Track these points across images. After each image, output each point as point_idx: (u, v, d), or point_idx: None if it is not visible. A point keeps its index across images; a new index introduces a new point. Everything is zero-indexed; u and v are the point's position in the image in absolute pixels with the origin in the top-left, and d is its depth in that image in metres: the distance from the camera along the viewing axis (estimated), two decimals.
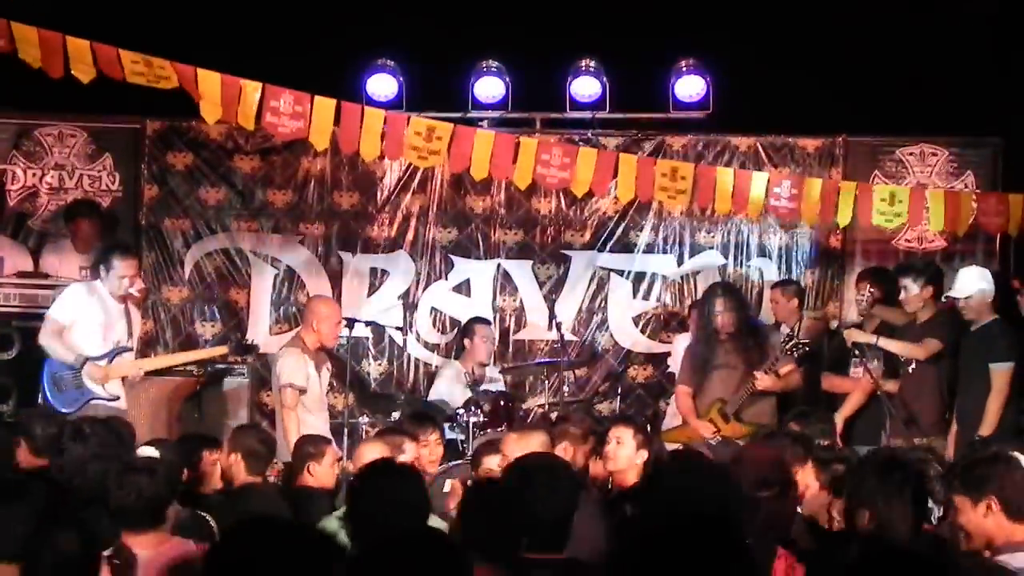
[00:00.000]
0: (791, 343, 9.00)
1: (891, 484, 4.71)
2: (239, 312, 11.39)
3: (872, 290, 9.50)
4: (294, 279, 11.42)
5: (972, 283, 8.60)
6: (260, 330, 11.29)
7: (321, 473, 7.37)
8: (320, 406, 9.42)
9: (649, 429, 9.89)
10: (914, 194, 9.39)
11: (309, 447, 7.62)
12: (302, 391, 9.04)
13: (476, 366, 10.35)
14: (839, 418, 9.12)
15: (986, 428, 8.21)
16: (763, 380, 8.85)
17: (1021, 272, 9.64)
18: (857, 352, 9.07)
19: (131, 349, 8.98)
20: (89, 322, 8.77)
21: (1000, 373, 8.39)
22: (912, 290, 8.92)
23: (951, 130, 11.02)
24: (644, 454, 7.04)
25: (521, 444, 6.51)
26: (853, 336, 9.04)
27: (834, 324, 9.76)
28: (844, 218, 9.39)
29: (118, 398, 8.81)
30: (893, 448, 7.21)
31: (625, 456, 6.93)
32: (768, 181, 9.38)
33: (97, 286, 8.89)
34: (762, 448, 5.87)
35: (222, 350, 9.76)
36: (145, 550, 4.86)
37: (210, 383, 10.17)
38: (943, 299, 8.86)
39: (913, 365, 8.91)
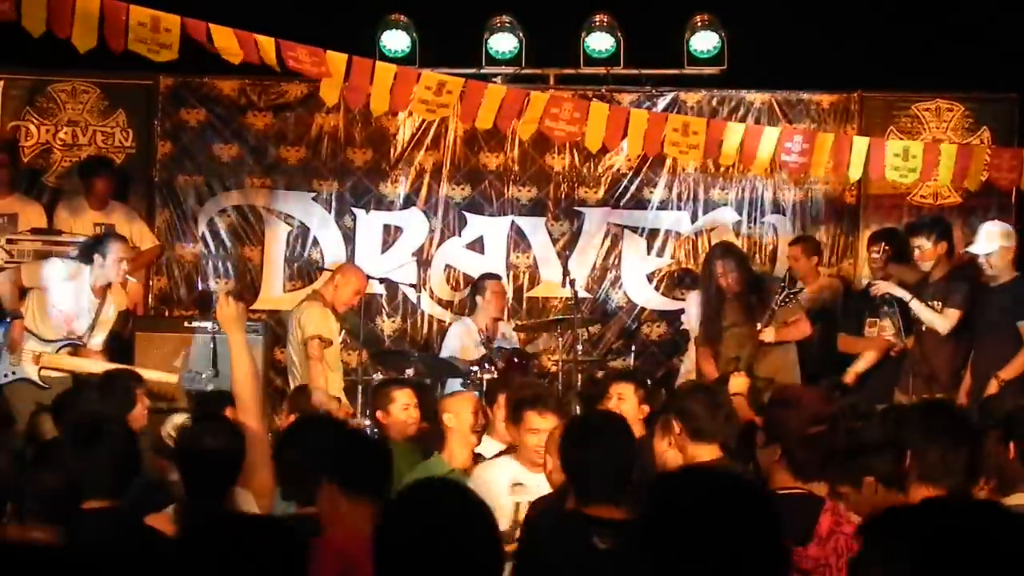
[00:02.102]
0: (783, 293, 8.93)
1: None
2: (252, 269, 11.41)
3: (887, 248, 9.47)
4: (307, 236, 11.42)
5: (994, 240, 8.53)
6: (273, 287, 11.33)
7: None
8: (337, 363, 9.52)
9: (664, 387, 9.99)
10: (928, 149, 9.35)
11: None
12: (328, 343, 9.12)
13: (489, 322, 10.34)
14: (852, 373, 9.11)
15: (1008, 373, 8.17)
16: (767, 333, 8.82)
17: None
18: (887, 308, 9.02)
19: (83, 344, 8.90)
20: (53, 305, 8.79)
21: None
22: (926, 248, 8.87)
23: (968, 86, 10.94)
24: (646, 409, 7.05)
25: None
26: (883, 288, 8.96)
27: (863, 282, 9.71)
28: (856, 173, 9.36)
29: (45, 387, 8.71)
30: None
31: (628, 411, 6.91)
32: (780, 136, 9.34)
33: (83, 272, 8.87)
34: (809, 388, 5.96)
35: (172, 378, 9.16)
36: None
37: (223, 340, 10.13)
38: (963, 253, 8.81)
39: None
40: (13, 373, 8.66)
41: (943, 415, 4.68)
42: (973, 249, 8.62)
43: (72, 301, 8.81)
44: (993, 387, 8.08)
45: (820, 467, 4.66)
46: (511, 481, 5.97)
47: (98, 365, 8.65)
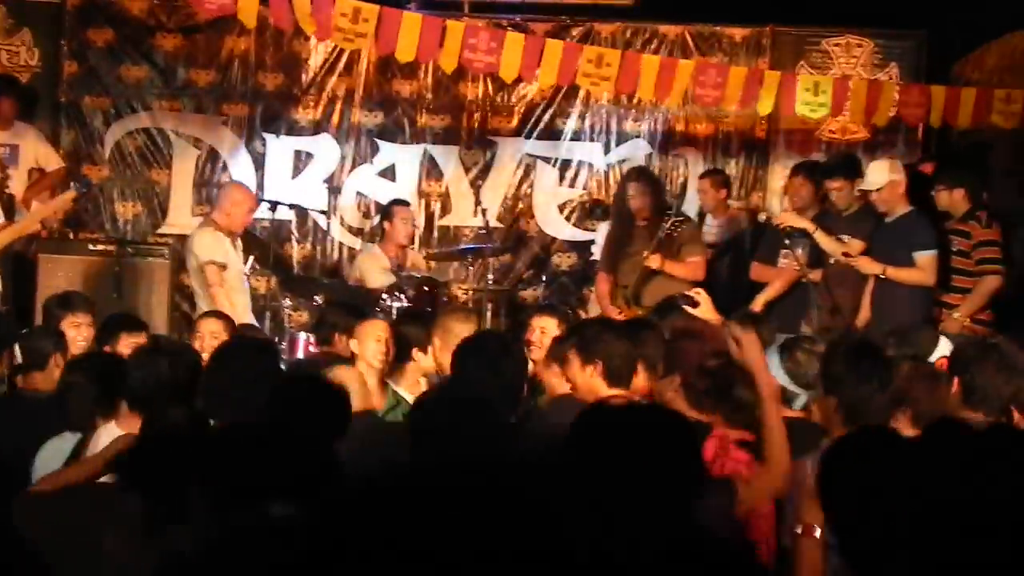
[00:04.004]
0: (670, 221, 8.96)
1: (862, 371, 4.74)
2: (160, 193, 11.27)
3: (809, 181, 9.50)
4: (217, 160, 11.30)
5: (882, 174, 8.64)
6: (182, 211, 11.21)
7: None
8: (241, 286, 9.41)
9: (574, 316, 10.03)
10: (837, 84, 9.45)
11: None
12: (223, 267, 9.04)
13: (397, 249, 10.29)
14: (760, 301, 9.19)
15: (965, 311, 8.34)
16: (653, 259, 8.83)
17: (941, 162, 9.71)
18: (787, 241, 9.09)
19: None
20: None
21: (927, 260, 8.46)
22: (845, 189, 8.94)
23: (877, 22, 11.02)
24: None
25: None
26: (788, 220, 8.99)
27: (763, 216, 9.77)
28: (765, 107, 9.45)
29: None
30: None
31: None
32: (693, 69, 9.37)
33: None
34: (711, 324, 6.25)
35: (71, 195, 9.42)
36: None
37: (128, 263, 10.05)
38: (855, 193, 8.91)
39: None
40: None
41: (869, 356, 4.80)
42: (863, 187, 8.73)
43: None
44: (954, 326, 8.21)
45: (717, 398, 4.77)
46: None
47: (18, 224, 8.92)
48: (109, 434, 4.74)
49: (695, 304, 7.22)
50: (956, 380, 4.85)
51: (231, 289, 9.07)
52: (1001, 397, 4.78)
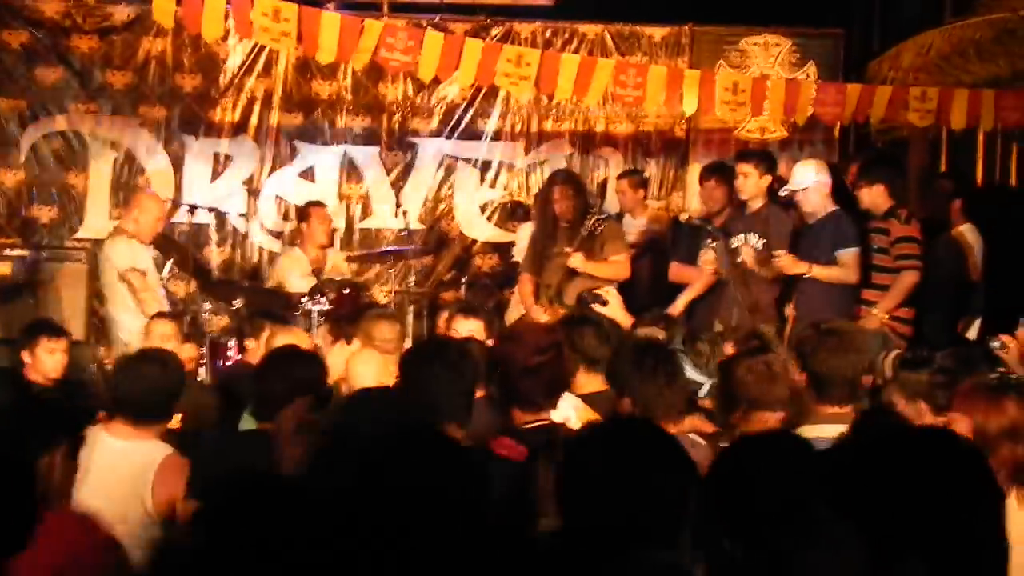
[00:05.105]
0: (593, 219, 8.96)
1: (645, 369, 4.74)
2: (77, 197, 11.11)
3: (720, 182, 9.53)
4: (134, 163, 11.16)
5: (808, 175, 8.69)
6: (99, 215, 11.05)
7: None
8: (157, 288, 9.32)
9: (495, 319, 10.02)
10: (756, 84, 9.50)
11: None
12: (143, 272, 8.96)
13: (317, 251, 10.21)
14: (681, 302, 9.19)
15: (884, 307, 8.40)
16: (575, 258, 8.82)
17: (862, 160, 9.77)
18: (711, 240, 9.09)
19: None
20: None
21: (849, 257, 8.53)
22: (751, 175, 8.96)
23: (795, 21, 11.12)
24: (490, 343, 7.08)
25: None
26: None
27: (684, 216, 9.78)
28: (690, 106, 9.47)
29: None
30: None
31: None
32: (613, 68, 9.39)
33: None
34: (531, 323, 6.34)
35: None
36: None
37: (46, 269, 9.91)
38: (781, 193, 8.94)
39: (753, 255, 8.98)
40: None
41: (652, 354, 4.81)
42: (789, 187, 8.77)
43: None
44: (873, 322, 8.27)
45: (546, 395, 4.71)
46: None
47: None
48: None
49: (604, 303, 7.27)
50: (805, 375, 4.76)
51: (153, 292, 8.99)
52: (848, 382, 4.71)
